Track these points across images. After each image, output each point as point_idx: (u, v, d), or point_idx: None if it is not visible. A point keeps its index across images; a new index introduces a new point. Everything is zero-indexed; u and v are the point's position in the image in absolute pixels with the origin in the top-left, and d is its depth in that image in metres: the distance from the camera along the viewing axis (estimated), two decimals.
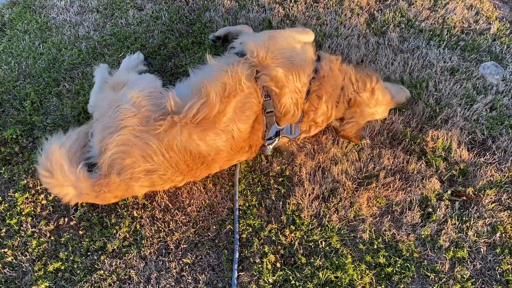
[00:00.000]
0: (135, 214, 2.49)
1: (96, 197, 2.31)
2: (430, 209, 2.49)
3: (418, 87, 3.03)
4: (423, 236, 2.40)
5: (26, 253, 2.36)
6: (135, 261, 2.34)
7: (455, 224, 2.44)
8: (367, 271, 2.27)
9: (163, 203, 2.55)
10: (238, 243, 2.36)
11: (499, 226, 2.42)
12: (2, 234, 2.42)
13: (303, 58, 2.49)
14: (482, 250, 2.35)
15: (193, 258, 2.35)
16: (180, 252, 2.37)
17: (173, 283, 2.26)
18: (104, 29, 3.46)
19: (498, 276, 2.28)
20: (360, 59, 3.19)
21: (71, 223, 2.46)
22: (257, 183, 2.63)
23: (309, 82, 2.46)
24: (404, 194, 2.56)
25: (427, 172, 2.65)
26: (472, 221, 2.43)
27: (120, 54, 3.23)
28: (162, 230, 2.45)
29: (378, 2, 3.61)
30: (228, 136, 2.30)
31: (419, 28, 3.41)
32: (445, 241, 2.37)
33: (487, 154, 2.72)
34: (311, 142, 2.80)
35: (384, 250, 2.34)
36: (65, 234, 2.43)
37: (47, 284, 2.24)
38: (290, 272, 2.27)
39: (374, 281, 2.25)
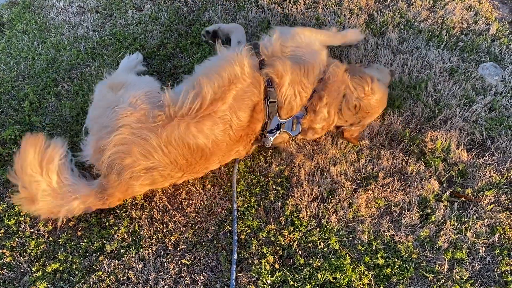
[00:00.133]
0: (134, 215, 2.49)
1: (103, 204, 2.35)
2: (429, 210, 2.49)
3: (417, 88, 3.03)
4: (421, 237, 2.39)
5: (24, 254, 2.36)
6: (134, 262, 2.33)
7: (453, 225, 2.43)
8: (366, 272, 2.27)
9: (161, 203, 2.55)
10: (237, 244, 2.36)
11: (498, 227, 2.42)
12: (0, 235, 2.42)
13: (316, 58, 2.51)
14: (481, 251, 2.35)
15: (191, 259, 2.35)
16: (179, 253, 2.37)
17: (172, 284, 2.26)
18: (103, 30, 3.46)
19: (497, 277, 2.28)
20: (359, 59, 3.19)
21: (70, 224, 2.46)
22: (255, 183, 2.63)
23: (317, 82, 2.48)
24: (403, 195, 2.55)
25: (426, 173, 2.65)
26: (471, 222, 2.43)
27: (119, 55, 3.23)
28: (161, 231, 2.45)
29: (377, 3, 3.61)
30: (226, 126, 2.30)
31: (418, 29, 3.40)
32: (444, 242, 2.37)
33: (486, 155, 2.72)
34: (310, 142, 2.80)
35: (382, 251, 2.34)
36: (64, 235, 2.42)
37: (46, 285, 2.24)
38: (288, 273, 2.27)
39: (372, 282, 2.25)
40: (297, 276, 2.26)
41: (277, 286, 2.24)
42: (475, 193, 2.57)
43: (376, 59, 3.19)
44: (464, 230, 2.42)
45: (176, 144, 2.21)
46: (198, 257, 2.36)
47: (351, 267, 2.28)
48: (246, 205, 2.53)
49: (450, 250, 2.34)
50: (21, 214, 2.48)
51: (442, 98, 2.99)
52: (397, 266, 2.29)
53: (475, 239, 2.39)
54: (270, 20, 3.41)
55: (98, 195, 2.29)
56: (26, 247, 2.38)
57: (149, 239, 2.41)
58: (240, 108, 2.32)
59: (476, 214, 2.47)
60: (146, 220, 2.48)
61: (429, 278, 2.26)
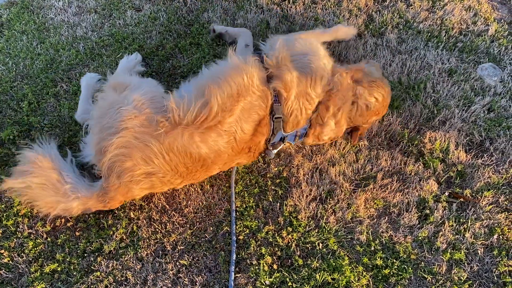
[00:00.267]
0: (132, 216, 2.49)
1: (104, 207, 2.35)
2: (428, 211, 2.49)
3: (416, 89, 3.03)
4: (420, 238, 2.39)
5: (22, 254, 2.35)
6: (132, 262, 2.33)
7: (452, 226, 2.43)
8: (364, 273, 2.27)
9: (160, 204, 2.55)
10: (235, 244, 2.36)
11: (496, 228, 2.42)
12: None
13: (322, 66, 2.45)
14: (479, 252, 2.35)
15: (190, 260, 2.34)
16: (177, 254, 2.37)
17: (170, 285, 2.26)
18: (102, 30, 3.46)
19: (495, 278, 2.28)
20: (358, 60, 3.18)
21: (68, 224, 2.46)
22: (254, 184, 2.63)
23: (323, 93, 2.44)
24: (401, 195, 2.55)
25: (425, 174, 2.65)
26: (469, 223, 2.43)
27: (118, 55, 3.22)
28: (159, 231, 2.44)
29: (376, 3, 3.61)
30: (230, 138, 2.28)
31: (417, 30, 3.41)
32: (442, 243, 2.37)
33: (485, 155, 2.72)
34: None
35: (381, 251, 2.34)
36: (62, 235, 2.42)
37: (44, 286, 2.24)
38: (287, 274, 2.26)
39: (371, 283, 2.25)
40: (295, 277, 2.26)
41: (275, 287, 2.24)
42: (473, 194, 2.57)
43: (375, 60, 3.19)
44: (463, 231, 2.42)
45: (178, 152, 2.19)
46: (197, 258, 2.36)
47: (350, 267, 2.27)
48: (244, 206, 2.53)
49: (449, 251, 2.34)
50: (19, 214, 2.47)
51: (441, 99, 2.99)
52: (395, 266, 2.29)
53: (474, 240, 2.39)
54: (269, 21, 3.41)
55: (100, 197, 2.29)
56: (24, 247, 2.37)
57: (147, 240, 2.41)
58: (246, 121, 2.29)
59: (475, 215, 2.47)
60: (144, 221, 2.48)
61: (427, 279, 2.26)
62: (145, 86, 2.41)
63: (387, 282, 2.26)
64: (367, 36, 3.35)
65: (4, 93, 3.06)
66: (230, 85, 2.25)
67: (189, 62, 3.17)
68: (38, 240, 2.40)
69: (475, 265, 2.31)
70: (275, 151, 2.56)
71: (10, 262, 2.33)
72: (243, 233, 2.42)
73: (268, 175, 2.65)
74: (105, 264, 2.32)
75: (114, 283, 2.27)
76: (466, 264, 2.32)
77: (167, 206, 2.54)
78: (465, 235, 2.40)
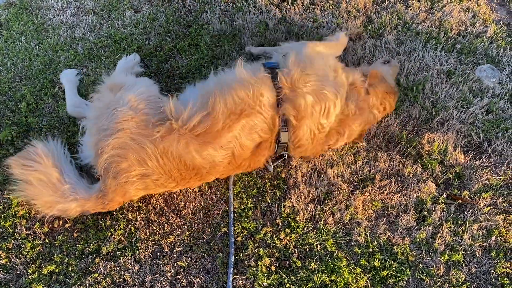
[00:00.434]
0: (130, 217, 2.49)
1: (103, 208, 2.35)
2: (426, 212, 2.49)
3: (415, 90, 3.03)
4: (418, 240, 2.39)
5: (20, 255, 2.35)
6: (130, 264, 2.33)
7: (450, 227, 2.43)
8: (362, 275, 2.27)
9: (158, 205, 2.54)
10: (233, 246, 2.36)
11: (494, 230, 2.42)
12: None
13: (338, 91, 2.35)
14: (477, 253, 2.35)
15: (188, 261, 2.34)
16: (175, 255, 2.37)
17: (168, 286, 2.26)
18: (100, 31, 3.46)
19: (493, 280, 2.28)
20: (357, 62, 3.19)
21: (66, 226, 2.46)
22: (252, 185, 2.62)
23: (336, 122, 2.41)
24: (399, 197, 2.55)
25: (423, 175, 2.65)
26: (467, 225, 2.43)
27: (117, 56, 3.22)
28: (157, 233, 2.44)
29: (375, 5, 3.62)
30: (228, 153, 2.26)
31: (416, 31, 3.41)
32: (441, 245, 2.37)
33: (483, 157, 2.72)
34: None
35: (379, 253, 2.34)
36: (60, 236, 2.42)
37: (41, 287, 2.24)
38: (285, 276, 2.26)
39: (369, 284, 2.25)
40: (293, 279, 2.26)
41: None
42: (472, 196, 2.57)
43: (373, 61, 3.19)
44: (461, 232, 2.42)
45: (172, 158, 2.17)
46: (195, 259, 2.36)
47: (348, 269, 2.27)
48: (242, 207, 2.53)
49: (447, 253, 2.34)
50: (18, 215, 2.47)
51: (440, 100, 2.99)
52: (393, 268, 2.29)
53: (472, 242, 2.39)
54: (268, 22, 3.41)
55: (99, 199, 2.28)
56: (22, 248, 2.37)
57: (145, 241, 2.41)
58: (247, 138, 2.25)
59: (473, 217, 2.47)
60: (142, 222, 2.47)
61: (425, 281, 2.26)
62: (140, 85, 2.40)
63: (385, 283, 2.26)
64: (366, 37, 3.35)
65: (3, 94, 3.05)
66: (233, 99, 2.19)
67: (187, 63, 3.17)
68: (36, 242, 2.40)
69: (473, 267, 2.31)
70: (274, 164, 2.60)
71: (8, 263, 2.33)
72: (241, 235, 2.42)
73: (266, 177, 2.65)
74: (103, 265, 2.32)
75: (112, 285, 2.26)
76: (464, 266, 2.32)
77: (165, 208, 2.54)
78: (463, 236, 2.40)
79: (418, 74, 3.13)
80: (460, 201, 2.55)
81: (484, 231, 2.43)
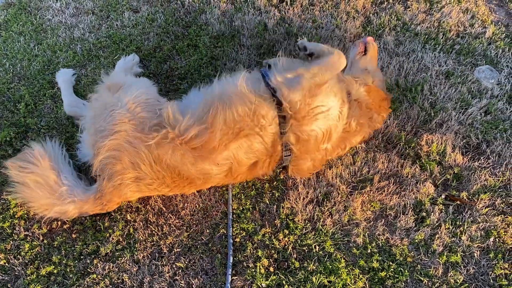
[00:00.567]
0: (129, 218, 2.49)
1: (101, 210, 2.35)
2: (424, 214, 2.49)
3: (413, 91, 3.03)
4: (416, 241, 2.40)
5: (18, 256, 2.35)
6: (128, 265, 2.33)
7: (448, 228, 2.44)
8: (361, 276, 2.27)
9: (156, 206, 2.54)
10: (232, 247, 2.36)
11: (492, 231, 2.42)
12: None
13: (340, 111, 2.30)
14: (475, 254, 2.35)
15: (186, 262, 2.34)
16: (174, 256, 2.37)
17: (166, 287, 2.26)
18: (99, 31, 3.45)
19: (491, 281, 2.28)
20: None
21: (64, 227, 2.46)
22: (251, 186, 2.62)
23: (337, 140, 2.40)
24: (398, 198, 2.56)
25: (421, 176, 2.65)
26: (465, 226, 2.44)
27: (116, 57, 3.22)
28: (156, 233, 2.44)
29: (374, 6, 3.62)
30: (225, 168, 2.24)
31: (415, 32, 3.41)
32: (439, 246, 2.37)
33: (482, 158, 2.72)
34: None
35: (377, 254, 2.34)
36: (58, 237, 2.42)
37: None
38: (283, 277, 2.26)
39: (367, 285, 2.25)
40: (292, 280, 2.26)
41: None
42: (470, 197, 2.57)
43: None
44: (459, 233, 2.42)
45: (166, 167, 2.15)
46: (193, 260, 2.36)
47: (346, 270, 2.27)
48: (241, 208, 2.53)
49: (445, 254, 2.34)
50: (16, 216, 2.47)
51: (438, 101, 2.99)
52: (392, 269, 2.29)
53: (470, 243, 2.39)
54: (267, 23, 3.41)
55: (97, 200, 2.28)
56: (21, 249, 2.37)
57: (144, 242, 2.41)
58: (244, 157, 2.21)
59: (471, 218, 2.48)
60: (141, 223, 2.47)
61: (423, 282, 2.27)
62: (139, 86, 2.38)
63: (383, 284, 2.26)
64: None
65: (1, 95, 3.05)
66: (233, 116, 2.12)
67: (186, 64, 3.17)
68: (35, 242, 2.40)
69: (471, 268, 2.31)
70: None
71: (6, 264, 2.33)
72: (239, 236, 2.42)
73: (265, 177, 2.65)
74: (102, 266, 2.32)
75: (111, 286, 2.26)
76: (462, 267, 2.32)
77: (164, 209, 2.54)
78: (462, 237, 2.40)
79: (417, 75, 3.13)
80: (458, 202, 2.55)
81: (482, 232, 2.43)
